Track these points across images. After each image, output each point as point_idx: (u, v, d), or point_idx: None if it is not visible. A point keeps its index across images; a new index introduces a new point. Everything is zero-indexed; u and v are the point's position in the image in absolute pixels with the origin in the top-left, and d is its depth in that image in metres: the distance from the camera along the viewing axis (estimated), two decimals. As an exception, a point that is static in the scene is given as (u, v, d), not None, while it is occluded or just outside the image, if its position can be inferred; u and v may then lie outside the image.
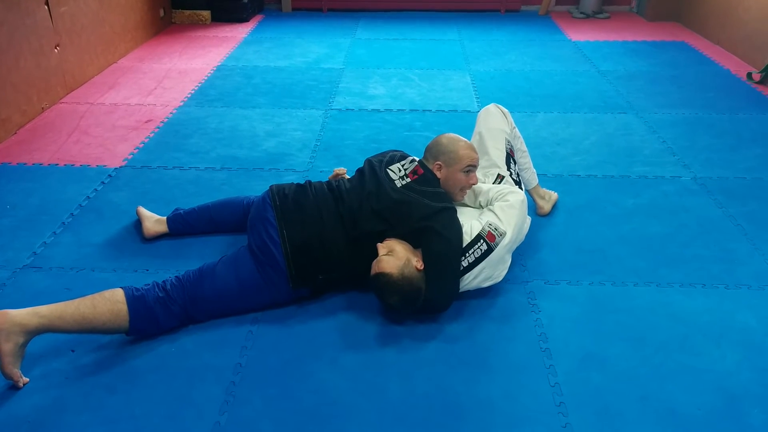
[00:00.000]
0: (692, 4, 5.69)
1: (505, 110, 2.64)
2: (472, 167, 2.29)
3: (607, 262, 2.46)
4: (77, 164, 3.18)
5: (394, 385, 1.89)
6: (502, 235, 2.17)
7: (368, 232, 2.14)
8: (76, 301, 1.92)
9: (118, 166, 3.16)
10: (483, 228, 2.16)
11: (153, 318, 2.00)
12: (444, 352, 2.02)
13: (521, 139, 2.68)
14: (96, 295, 1.95)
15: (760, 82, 4.35)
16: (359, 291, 2.27)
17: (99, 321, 1.91)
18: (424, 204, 2.15)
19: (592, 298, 2.28)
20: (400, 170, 2.28)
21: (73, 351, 1.98)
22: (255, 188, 2.95)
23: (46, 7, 3.75)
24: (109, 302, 1.94)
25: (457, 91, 4.22)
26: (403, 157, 2.36)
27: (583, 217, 2.77)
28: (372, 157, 2.42)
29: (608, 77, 4.50)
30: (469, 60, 4.88)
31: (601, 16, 6.18)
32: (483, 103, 3.98)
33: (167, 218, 2.56)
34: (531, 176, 2.72)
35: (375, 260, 2.06)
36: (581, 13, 6.22)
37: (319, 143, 3.44)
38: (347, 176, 2.93)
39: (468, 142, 2.36)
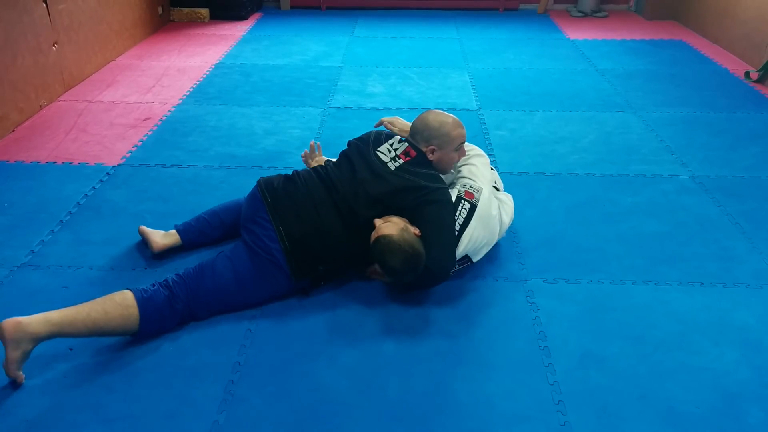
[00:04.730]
0: (690, 2, 5.69)
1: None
2: (462, 143, 2.35)
3: (605, 261, 2.47)
4: (75, 162, 3.17)
5: (392, 383, 1.89)
6: (479, 190, 2.27)
7: (367, 218, 2.14)
8: (87, 306, 1.91)
9: (116, 164, 3.15)
10: (459, 190, 2.25)
11: (161, 320, 1.99)
12: (442, 350, 2.02)
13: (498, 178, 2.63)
14: (106, 300, 1.93)
15: (758, 81, 4.36)
16: (358, 288, 2.27)
17: (110, 326, 1.91)
18: (421, 185, 2.17)
19: (591, 296, 2.28)
20: (390, 151, 2.27)
21: (71, 350, 1.98)
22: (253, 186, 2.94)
23: (44, 4, 3.74)
24: (120, 307, 1.92)
25: (456, 90, 4.22)
26: (389, 136, 2.35)
27: (581, 216, 2.77)
28: (354, 140, 2.40)
29: (606, 76, 4.50)
30: (467, 58, 4.88)
31: (599, 14, 6.18)
32: (481, 101, 4.00)
33: (178, 230, 2.44)
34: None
35: (374, 230, 2.09)
36: (579, 11, 6.22)
37: (317, 141, 3.43)
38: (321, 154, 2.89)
39: (455, 119, 2.35)
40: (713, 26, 5.29)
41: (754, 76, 4.40)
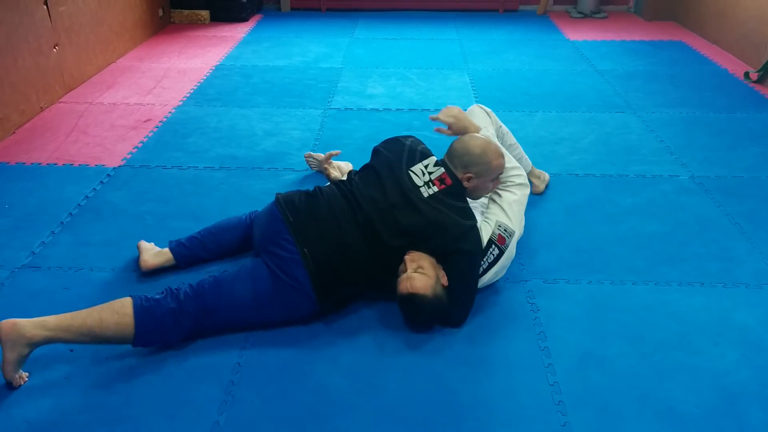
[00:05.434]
0: (689, 3, 5.69)
1: (488, 110, 2.62)
2: (500, 174, 2.25)
3: (605, 261, 2.47)
4: (76, 164, 3.17)
5: (393, 384, 1.89)
6: (512, 235, 2.19)
7: (392, 246, 2.05)
8: (84, 312, 1.88)
9: (116, 166, 3.15)
10: (493, 231, 2.16)
11: (160, 331, 1.92)
12: (443, 351, 2.02)
13: (509, 134, 2.69)
14: (105, 307, 1.89)
15: (757, 81, 4.36)
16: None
17: (105, 335, 1.87)
18: (455, 224, 2.06)
19: (591, 296, 2.28)
20: (423, 173, 2.13)
21: (72, 351, 1.98)
22: (254, 187, 2.95)
23: (45, 6, 3.74)
24: (117, 315, 1.87)
25: (456, 91, 4.22)
26: (424, 154, 2.20)
27: (581, 216, 2.77)
28: (383, 149, 2.25)
29: (606, 76, 4.50)
30: (467, 59, 4.89)
31: (598, 15, 6.18)
32: (481, 102, 3.99)
33: (172, 249, 2.34)
34: (525, 163, 2.77)
35: (405, 277, 1.99)
36: (579, 12, 6.23)
37: (317, 143, 3.44)
38: (336, 162, 2.85)
39: (498, 148, 2.23)
40: (712, 27, 5.29)
41: (754, 76, 4.40)
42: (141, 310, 1.89)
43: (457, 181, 2.15)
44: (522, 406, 1.83)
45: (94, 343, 1.91)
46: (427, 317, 2.06)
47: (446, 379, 1.92)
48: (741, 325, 2.14)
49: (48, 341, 1.84)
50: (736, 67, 4.67)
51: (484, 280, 2.18)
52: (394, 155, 2.20)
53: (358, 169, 2.34)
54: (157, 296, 1.95)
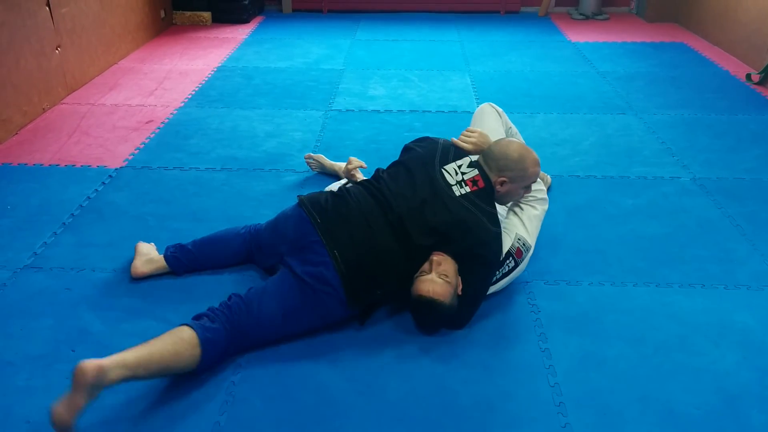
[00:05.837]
0: (691, 5, 5.70)
1: (500, 109, 2.63)
2: (534, 182, 2.22)
3: (606, 263, 2.47)
4: (78, 165, 3.18)
5: (393, 385, 1.90)
6: (529, 249, 2.20)
7: (420, 245, 2.02)
8: (158, 346, 1.75)
9: (118, 167, 3.16)
10: (513, 244, 2.16)
11: (218, 358, 1.88)
12: (443, 352, 2.02)
13: (518, 135, 2.70)
14: (177, 340, 1.78)
15: (759, 83, 4.36)
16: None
17: (178, 367, 1.79)
18: (484, 228, 2.04)
19: (592, 298, 2.28)
20: (457, 173, 2.11)
21: (73, 351, 1.98)
22: (255, 189, 2.96)
23: (47, 8, 3.75)
24: (190, 346, 1.79)
25: (457, 92, 4.23)
26: (458, 154, 2.18)
27: (582, 218, 2.77)
28: (415, 144, 2.23)
29: (607, 78, 4.50)
30: (468, 61, 4.89)
31: (600, 17, 6.18)
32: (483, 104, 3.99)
33: (165, 257, 2.29)
34: None
35: (428, 278, 1.96)
36: (580, 14, 6.23)
37: (319, 144, 3.45)
38: (360, 174, 2.81)
39: (535, 155, 2.19)
40: (714, 28, 5.29)
41: (755, 78, 4.40)
42: (207, 343, 1.82)
43: (489, 185, 2.12)
44: (522, 408, 1.83)
45: (158, 378, 1.82)
46: (436, 321, 2.06)
47: (447, 380, 1.92)
48: (742, 327, 2.14)
49: (124, 381, 1.68)
50: (737, 68, 4.67)
51: (492, 289, 2.18)
52: (428, 152, 2.18)
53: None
54: (214, 326, 1.86)
